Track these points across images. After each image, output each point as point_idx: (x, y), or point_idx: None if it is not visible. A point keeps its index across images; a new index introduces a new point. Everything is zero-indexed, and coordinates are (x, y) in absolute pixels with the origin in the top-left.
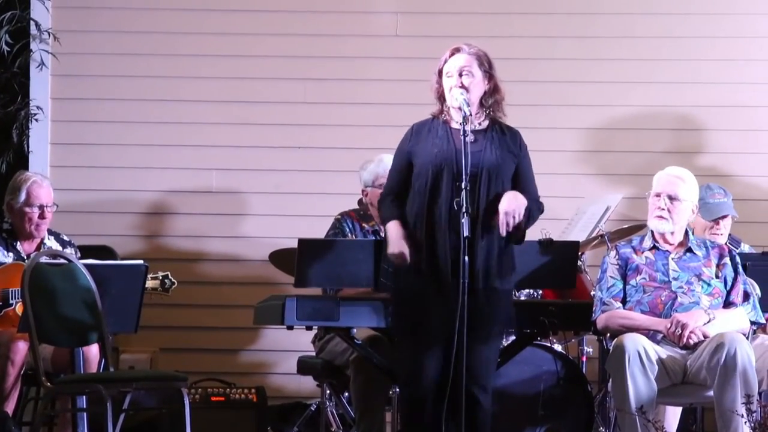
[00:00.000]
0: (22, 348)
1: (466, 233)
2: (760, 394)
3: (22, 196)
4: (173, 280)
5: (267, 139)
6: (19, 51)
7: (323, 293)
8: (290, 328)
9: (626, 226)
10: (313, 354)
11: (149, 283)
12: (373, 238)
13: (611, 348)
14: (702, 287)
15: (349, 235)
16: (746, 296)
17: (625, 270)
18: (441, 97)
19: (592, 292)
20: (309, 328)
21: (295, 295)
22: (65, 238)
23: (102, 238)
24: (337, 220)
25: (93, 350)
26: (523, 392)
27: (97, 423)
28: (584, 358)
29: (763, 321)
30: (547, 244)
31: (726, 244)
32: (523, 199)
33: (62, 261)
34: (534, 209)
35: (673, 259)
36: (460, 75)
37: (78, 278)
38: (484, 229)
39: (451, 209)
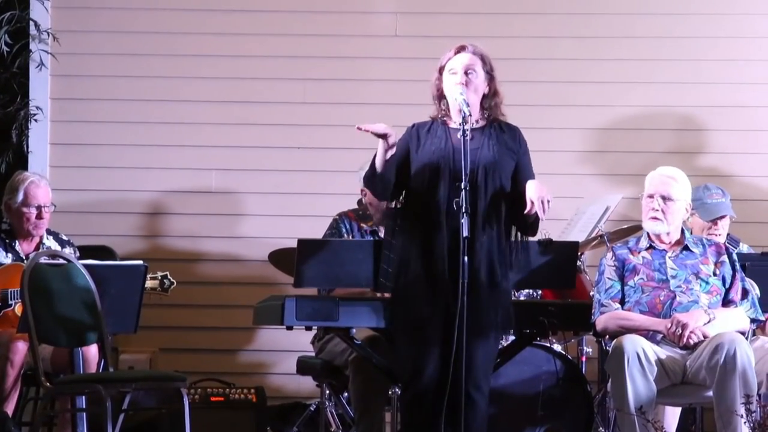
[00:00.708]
0: (21, 348)
1: (465, 233)
2: (759, 395)
3: (20, 196)
4: (172, 280)
5: (267, 139)
6: (19, 51)
7: (318, 293)
8: (290, 328)
9: (626, 226)
10: (313, 354)
11: (148, 283)
12: (371, 238)
13: (610, 349)
14: (700, 285)
15: (346, 235)
16: (745, 293)
17: (623, 271)
18: (440, 96)
19: (592, 293)
20: (308, 329)
21: (295, 295)
22: (64, 237)
23: (101, 239)
24: (335, 220)
25: (92, 350)
26: (523, 392)
27: (97, 423)
28: (584, 359)
29: (762, 318)
30: (546, 244)
31: (724, 243)
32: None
33: (61, 261)
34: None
35: (670, 257)
36: (466, 73)
37: (77, 278)
38: (484, 227)
39: (449, 208)
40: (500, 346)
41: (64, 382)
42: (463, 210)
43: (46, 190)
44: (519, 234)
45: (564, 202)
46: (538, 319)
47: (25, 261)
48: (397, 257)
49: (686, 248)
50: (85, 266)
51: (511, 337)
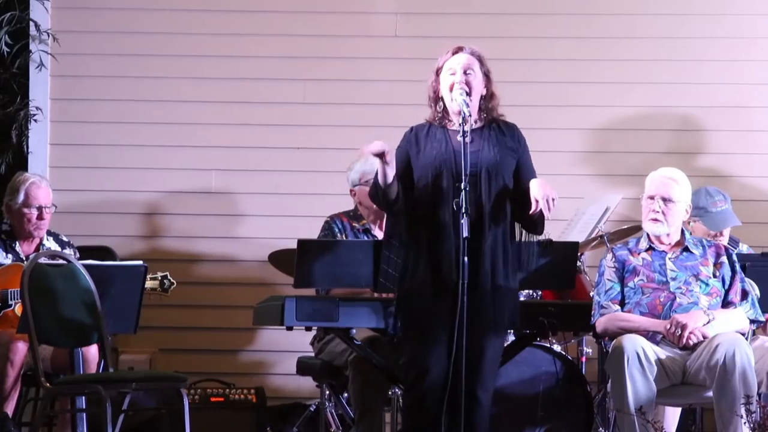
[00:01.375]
0: (21, 349)
1: (465, 234)
2: (759, 395)
3: (21, 197)
4: (172, 280)
5: (266, 139)
6: (19, 52)
7: (316, 293)
8: (290, 328)
9: (626, 226)
10: (313, 354)
11: (148, 284)
12: (365, 237)
13: (610, 349)
14: (700, 287)
15: (339, 235)
16: (744, 294)
17: (623, 272)
18: (436, 98)
19: (592, 293)
20: (308, 329)
21: (295, 295)
22: (64, 238)
23: (101, 239)
24: (327, 222)
25: (92, 351)
26: (523, 393)
27: (97, 423)
28: (583, 359)
29: (762, 319)
30: (546, 245)
31: (724, 244)
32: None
33: (61, 262)
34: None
35: (670, 259)
36: (465, 73)
37: (77, 279)
38: (489, 228)
39: (454, 211)
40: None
41: (64, 382)
42: (463, 210)
43: (47, 191)
44: (524, 233)
45: (564, 202)
46: (538, 320)
47: (25, 261)
48: (403, 261)
49: (686, 249)
50: (85, 266)
51: (511, 338)
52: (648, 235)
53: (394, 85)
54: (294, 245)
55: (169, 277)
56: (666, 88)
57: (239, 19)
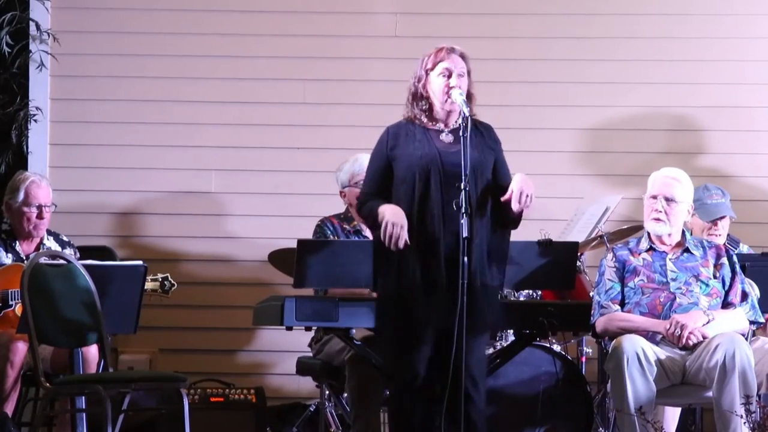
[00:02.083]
0: (21, 349)
1: (465, 234)
2: (759, 395)
3: (21, 196)
4: (173, 281)
5: (266, 139)
6: (19, 52)
7: (314, 293)
8: (289, 328)
9: (626, 226)
10: (312, 354)
11: (149, 285)
12: (356, 238)
13: (610, 349)
14: (700, 288)
15: (331, 237)
16: (744, 296)
17: (623, 272)
18: (422, 97)
19: (592, 293)
20: (308, 329)
21: (294, 295)
22: (64, 238)
23: (101, 239)
24: (318, 225)
25: (92, 351)
26: (523, 393)
27: (97, 424)
28: (583, 359)
29: (761, 320)
30: (546, 245)
31: (724, 244)
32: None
33: (61, 262)
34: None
35: (670, 259)
36: (459, 75)
37: (77, 279)
38: (477, 228)
39: (443, 212)
40: (500, 347)
41: (63, 382)
42: (463, 210)
43: (47, 190)
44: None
45: (563, 202)
46: (537, 320)
47: (26, 261)
48: (391, 264)
49: (687, 250)
50: (85, 267)
51: (512, 338)
52: (649, 235)
53: (394, 85)
54: (294, 245)
55: (169, 278)
56: (666, 88)
57: (239, 19)
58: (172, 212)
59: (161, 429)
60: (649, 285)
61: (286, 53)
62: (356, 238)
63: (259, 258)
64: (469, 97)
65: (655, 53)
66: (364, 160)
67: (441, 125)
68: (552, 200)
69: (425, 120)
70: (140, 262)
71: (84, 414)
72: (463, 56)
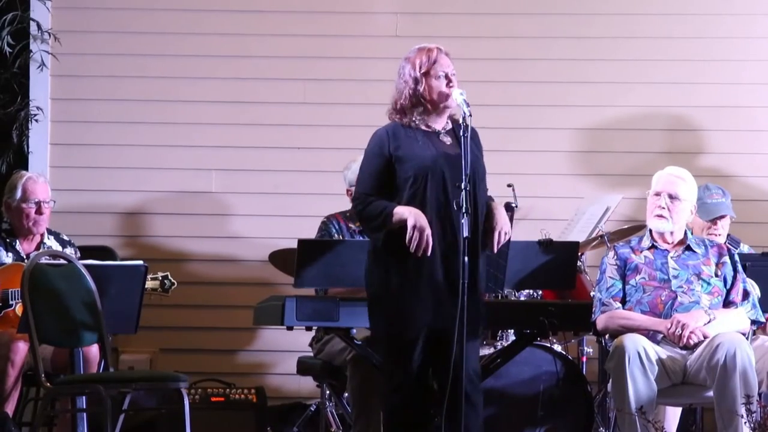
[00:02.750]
0: (22, 348)
1: (465, 233)
2: (759, 395)
3: (18, 193)
4: (173, 280)
5: (267, 139)
6: (20, 51)
7: (315, 293)
8: (290, 328)
9: (626, 226)
10: (312, 354)
11: (149, 284)
12: (360, 238)
13: (611, 348)
14: (702, 286)
15: (336, 235)
16: (746, 295)
17: (624, 270)
18: (419, 102)
19: (592, 293)
20: (309, 329)
21: (295, 295)
22: (65, 237)
23: (102, 239)
24: (323, 222)
25: (93, 351)
26: (523, 393)
27: (97, 423)
28: (584, 359)
29: (763, 320)
30: (546, 245)
31: (726, 244)
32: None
33: (62, 261)
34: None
35: (672, 257)
36: (454, 75)
37: (78, 279)
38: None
39: (440, 213)
40: (500, 347)
41: (64, 382)
42: (464, 210)
43: (44, 186)
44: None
45: (564, 202)
46: (538, 319)
47: (26, 261)
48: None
49: (688, 248)
50: (86, 266)
51: (512, 337)
52: (651, 233)
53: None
54: (294, 245)
55: (169, 277)
56: (666, 88)
57: (239, 19)
58: (172, 212)
59: (161, 429)
60: (651, 283)
61: (286, 53)
62: (360, 238)
63: (259, 258)
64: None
65: (656, 53)
66: None
67: (437, 126)
68: (552, 200)
69: (421, 123)
70: (141, 262)
71: (84, 414)
72: (450, 56)
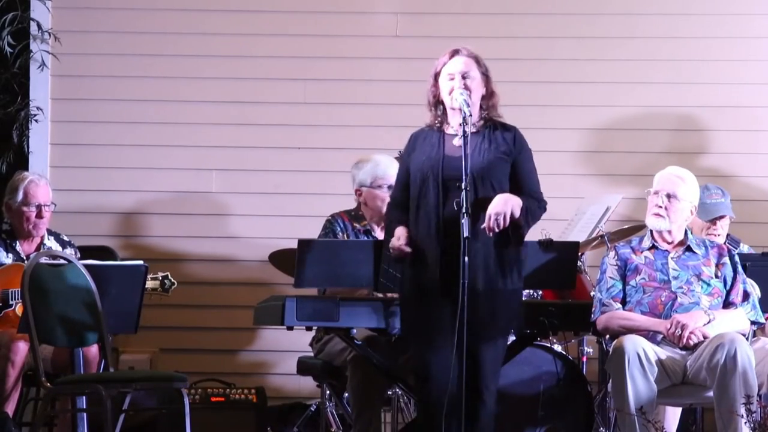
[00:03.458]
0: (22, 348)
1: (465, 234)
2: (759, 395)
3: (20, 196)
4: (173, 280)
5: (267, 139)
6: (20, 51)
7: (318, 293)
8: (290, 328)
9: (626, 226)
10: (313, 354)
11: (149, 284)
12: (365, 238)
13: (611, 349)
14: (702, 287)
15: (341, 235)
16: (746, 296)
17: (625, 270)
18: (436, 102)
19: (592, 293)
20: (309, 329)
21: (295, 295)
22: (65, 238)
23: (101, 239)
24: (328, 221)
25: (93, 351)
26: (523, 393)
27: (97, 423)
28: (584, 359)
29: (762, 321)
30: (546, 245)
31: (725, 244)
32: (517, 200)
33: (62, 262)
34: (534, 207)
35: (672, 258)
36: (463, 77)
37: (78, 279)
38: (478, 231)
39: (438, 214)
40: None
41: (64, 382)
42: (464, 210)
43: (45, 189)
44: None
45: (565, 202)
46: (538, 320)
47: (26, 261)
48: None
49: (689, 249)
50: (86, 266)
51: (512, 337)
52: (651, 233)
53: (394, 85)
54: (294, 245)
55: (169, 277)
56: (666, 88)
57: (239, 19)
58: (172, 212)
59: (162, 429)
60: (651, 284)
61: (286, 53)
62: (365, 238)
63: (259, 258)
64: (490, 96)
65: (656, 53)
66: (384, 162)
67: (458, 128)
68: (553, 200)
69: (443, 125)
70: (140, 262)
71: (84, 414)
72: (472, 56)
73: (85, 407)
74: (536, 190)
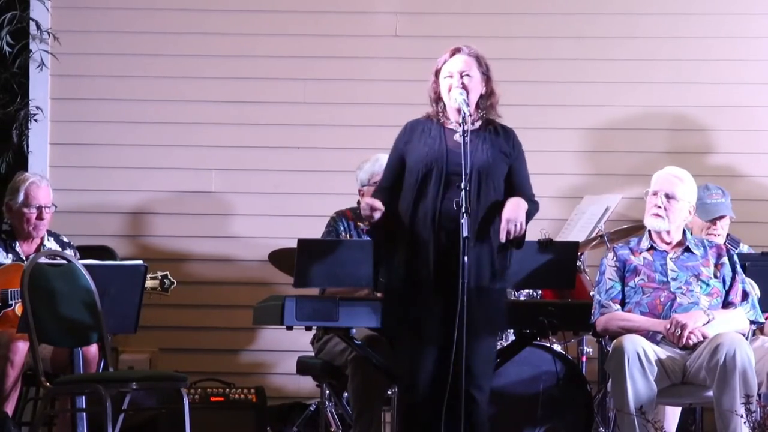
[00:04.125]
0: (21, 348)
1: (465, 233)
2: (759, 395)
3: (21, 197)
4: (172, 279)
5: (266, 139)
6: (19, 51)
7: (320, 293)
8: (290, 328)
9: (626, 226)
10: (313, 354)
11: (148, 283)
12: (367, 237)
13: (610, 349)
14: (701, 287)
15: (344, 234)
16: (745, 295)
17: (623, 271)
18: (437, 99)
19: (592, 293)
20: (308, 329)
21: (295, 295)
22: (65, 239)
23: (101, 239)
24: (332, 219)
25: (92, 350)
26: (523, 392)
27: (97, 423)
28: (584, 359)
29: (762, 320)
30: (546, 244)
31: (725, 244)
32: (525, 204)
33: (62, 261)
34: (533, 210)
35: (671, 259)
36: (461, 76)
37: (77, 278)
38: (477, 229)
39: (436, 209)
40: (500, 347)
41: (64, 382)
42: (464, 210)
43: (47, 190)
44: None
45: (563, 202)
46: (538, 319)
47: (26, 261)
48: (388, 258)
49: (687, 250)
50: (85, 266)
51: (512, 337)
52: (650, 234)
53: (394, 85)
54: (294, 245)
55: (169, 276)
56: (666, 88)
57: (239, 19)
58: (172, 212)
59: (161, 429)
60: (650, 284)
61: (286, 53)
62: (367, 237)
63: (259, 258)
64: (490, 95)
65: (656, 53)
66: (384, 160)
67: (457, 125)
68: (553, 200)
69: (444, 119)
70: (140, 262)
71: (84, 414)
72: (472, 55)
73: (84, 407)
74: (532, 192)
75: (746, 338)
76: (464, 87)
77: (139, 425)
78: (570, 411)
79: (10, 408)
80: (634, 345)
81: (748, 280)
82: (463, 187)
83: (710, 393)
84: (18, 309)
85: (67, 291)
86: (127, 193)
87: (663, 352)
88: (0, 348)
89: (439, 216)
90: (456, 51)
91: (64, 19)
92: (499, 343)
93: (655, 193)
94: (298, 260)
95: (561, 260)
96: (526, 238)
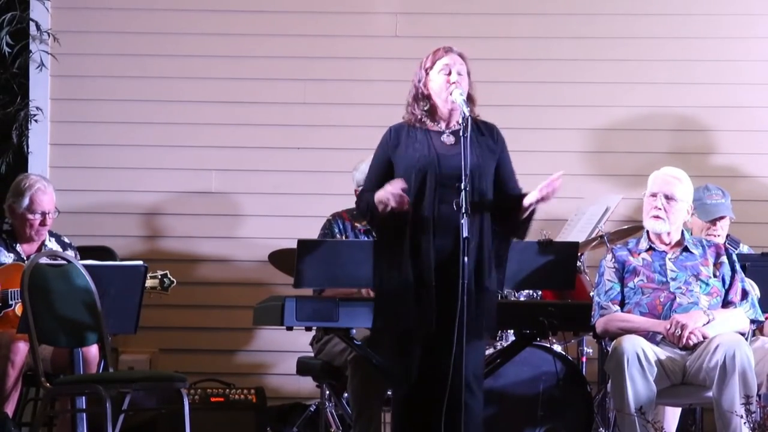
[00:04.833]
0: (21, 349)
1: (465, 234)
2: (759, 395)
3: (25, 202)
4: (172, 279)
5: (266, 139)
6: (19, 52)
7: (314, 293)
8: (290, 328)
9: (626, 227)
10: (312, 354)
11: (148, 282)
12: (365, 237)
13: (610, 349)
14: (700, 287)
15: (339, 235)
16: (744, 294)
17: (623, 272)
18: (425, 96)
19: (592, 293)
20: (308, 329)
21: (295, 295)
22: (66, 240)
23: (101, 239)
24: (328, 221)
25: (92, 351)
26: (523, 393)
27: (97, 424)
28: (584, 359)
29: (762, 319)
30: (546, 245)
31: (724, 244)
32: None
33: (62, 262)
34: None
35: (670, 259)
36: (459, 74)
37: (77, 279)
38: (473, 230)
39: (435, 213)
40: (500, 347)
41: (64, 382)
42: (463, 210)
43: (51, 196)
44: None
45: (565, 202)
46: (538, 320)
47: (26, 261)
48: (383, 262)
49: (686, 249)
50: (85, 267)
51: (512, 338)
52: (648, 235)
53: (394, 85)
54: (294, 245)
55: (169, 275)
56: (666, 88)
57: (239, 19)
58: (172, 212)
59: (161, 429)
60: (649, 285)
61: (286, 53)
62: (365, 237)
63: (259, 258)
64: (470, 99)
65: (656, 53)
66: None
67: (443, 126)
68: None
69: (427, 121)
70: (140, 262)
71: (84, 414)
72: (461, 56)
73: (84, 407)
74: (518, 185)
75: (746, 338)
76: (459, 84)
77: (139, 426)
78: (570, 411)
79: (10, 408)
80: (634, 346)
81: (748, 280)
82: (462, 188)
83: (710, 393)
84: (18, 309)
85: (67, 291)
86: (127, 193)
87: (663, 353)
88: (0, 348)
89: (436, 219)
90: (449, 49)
91: (64, 20)
92: (498, 344)
93: (654, 195)
94: (297, 261)
95: (561, 261)
96: (527, 239)
